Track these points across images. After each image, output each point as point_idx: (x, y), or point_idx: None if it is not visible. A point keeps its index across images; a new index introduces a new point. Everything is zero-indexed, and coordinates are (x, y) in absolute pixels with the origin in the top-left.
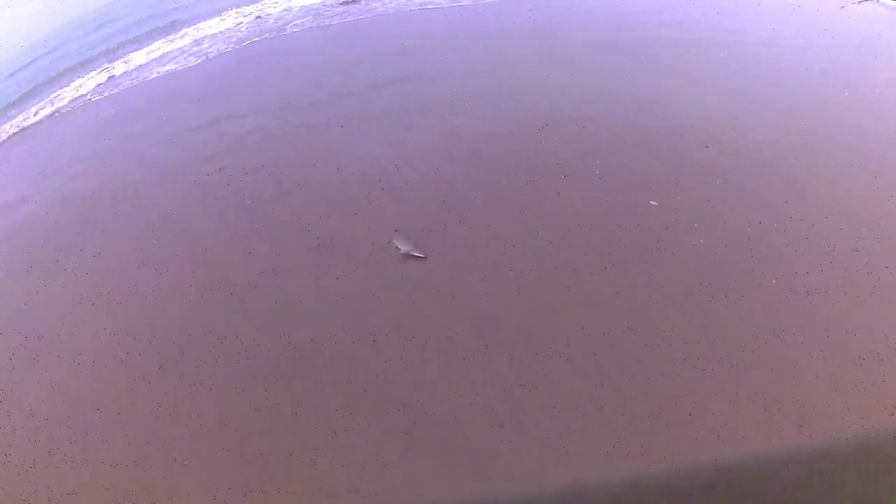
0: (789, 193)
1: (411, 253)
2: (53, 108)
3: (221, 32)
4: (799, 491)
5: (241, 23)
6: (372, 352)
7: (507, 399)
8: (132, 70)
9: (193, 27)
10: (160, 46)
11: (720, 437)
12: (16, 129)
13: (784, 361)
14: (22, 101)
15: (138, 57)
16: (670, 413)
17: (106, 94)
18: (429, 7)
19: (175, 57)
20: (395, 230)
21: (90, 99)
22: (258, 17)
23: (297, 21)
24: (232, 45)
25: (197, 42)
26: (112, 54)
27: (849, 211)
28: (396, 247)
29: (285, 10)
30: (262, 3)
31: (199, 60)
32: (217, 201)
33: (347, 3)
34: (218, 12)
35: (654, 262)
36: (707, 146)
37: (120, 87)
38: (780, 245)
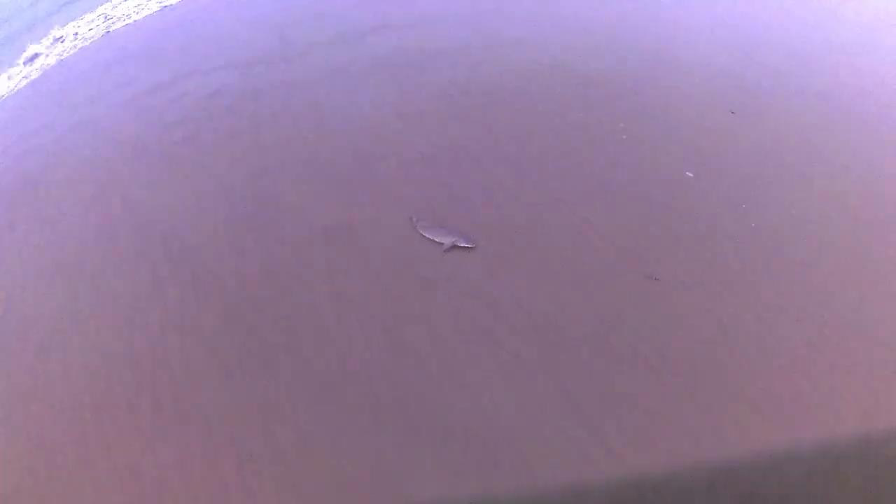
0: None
1: (457, 244)
2: None
3: None
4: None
5: None
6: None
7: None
8: (73, 34)
9: None
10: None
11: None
12: None
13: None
14: None
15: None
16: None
17: (45, 65)
18: None
19: (124, 14)
20: (414, 219)
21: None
22: None
23: None
24: None
25: None
26: (48, 20)
27: None
28: (430, 239)
29: None
30: None
31: (147, 14)
32: (189, 179)
33: None
34: None
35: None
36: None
37: (62, 54)
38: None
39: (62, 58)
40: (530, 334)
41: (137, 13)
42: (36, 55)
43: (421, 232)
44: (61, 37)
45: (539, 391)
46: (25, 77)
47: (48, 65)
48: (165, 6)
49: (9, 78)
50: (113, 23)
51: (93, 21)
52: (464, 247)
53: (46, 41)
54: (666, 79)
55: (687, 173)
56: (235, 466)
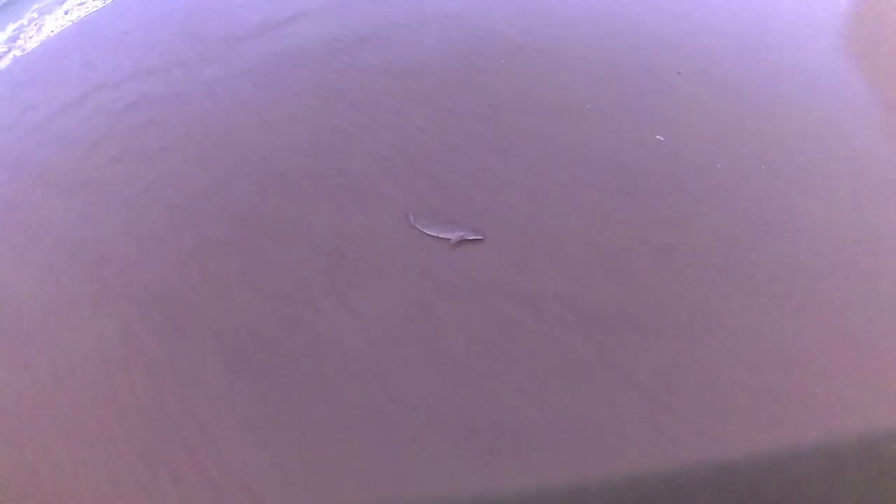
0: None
1: (466, 238)
2: None
3: None
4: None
5: None
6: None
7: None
8: None
9: None
10: None
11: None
12: None
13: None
14: None
15: None
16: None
17: None
18: None
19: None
20: (411, 217)
21: None
22: None
23: None
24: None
25: None
26: None
27: None
28: (435, 236)
29: None
30: None
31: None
32: (129, 206)
33: None
34: None
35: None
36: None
37: None
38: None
39: None
40: (577, 324)
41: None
42: None
43: (422, 230)
44: None
45: (604, 384)
46: None
47: None
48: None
49: None
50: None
51: None
52: (473, 239)
53: None
54: (611, 46)
55: (657, 136)
56: None
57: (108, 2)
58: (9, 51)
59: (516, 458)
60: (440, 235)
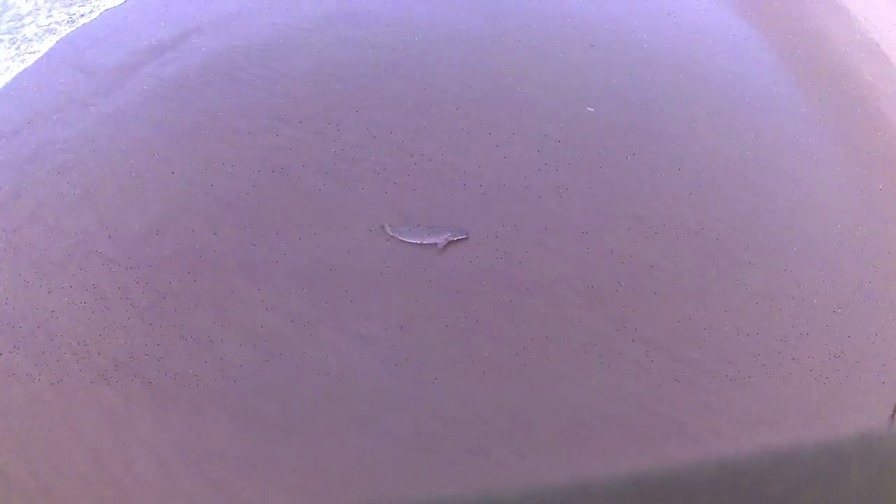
0: None
1: (452, 239)
2: None
3: None
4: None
5: None
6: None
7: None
8: None
9: None
10: None
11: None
12: None
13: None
14: None
15: None
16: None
17: None
18: None
19: None
20: (388, 227)
21: None
22: None
23: None
24: None
25: None
26: None
27: None
28: (417, 243)
29: None
30: None
31: None
32: (60, 267)
33: None
34: None
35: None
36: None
37: None
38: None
39: None
40: (585, 302)
41: None
42: None
43: (402, 239)
44: None
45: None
46: None
47: None
48: None
49: None
50: None
51: None
52: (459, 239)
53: None
54: (529, 27)
55: (588, 108)
56: None
57: None
58: None
59: (582, 443)
60: (424, 242)
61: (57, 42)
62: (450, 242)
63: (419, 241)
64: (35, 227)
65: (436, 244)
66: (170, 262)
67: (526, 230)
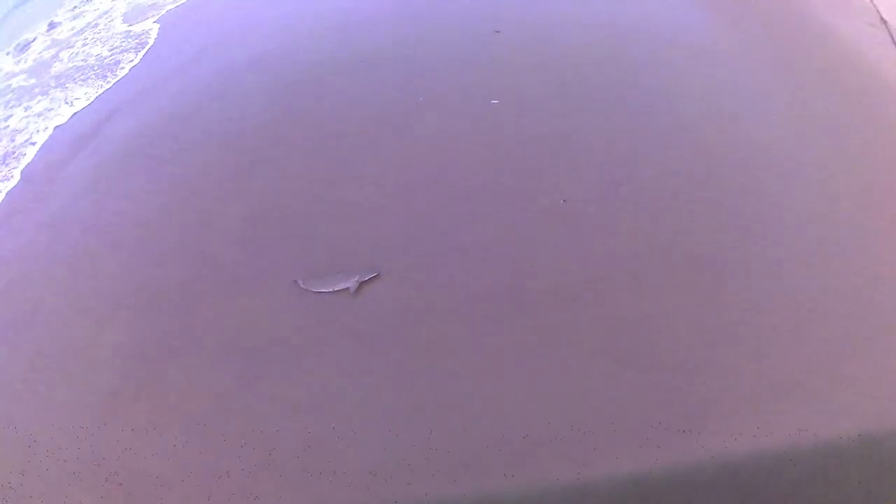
0: None
1: (362, 280)
2: None
3: None
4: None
5: None
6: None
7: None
8: None
9: None
10: None
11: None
12: None
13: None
14: None
15: None
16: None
17: None
18: None
19: None
20: (300, 282)
21: None
22: None
23: None
24: None
25: None
26: None
27: None
28: (330, 291)
29: None
30: None
31: None
32: (25, 382)
33: None
34: None
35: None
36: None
37: None
38: None
39: None
40: (526, 307)
41: None
42: None
43: (315, 290)
44: None
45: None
46: None
47: None
48: None
49: None
50: None
51: None
52: (370, 279)
53: None
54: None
55: (492, 101)
56: None
57: None
58: None
59: (518, 464)
60: (335, 289)
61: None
62: (361, 284)
63: (331, 289)
64: None
65: (348, 288)
66: (111, 365)
67: (443, 254)
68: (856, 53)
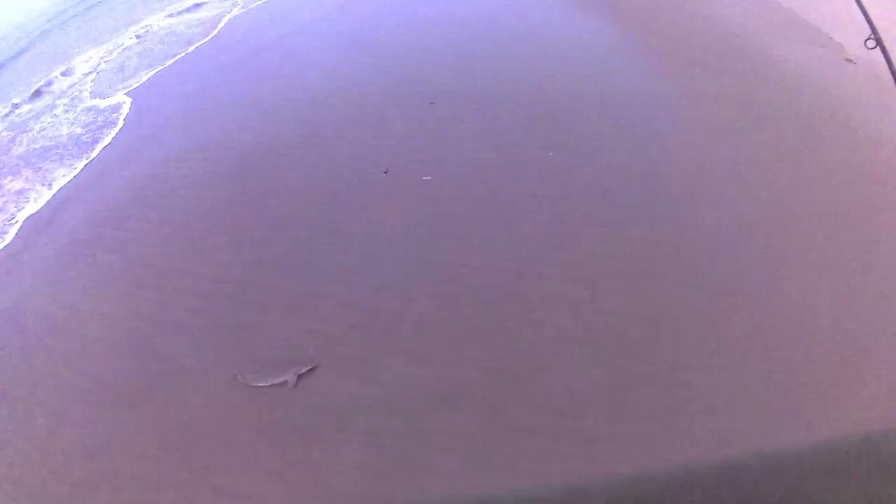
0: None
1: (299, 372)
2: None
3: None
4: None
5: None
6: None
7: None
8: None
9: None
10: None
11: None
12: None
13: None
14: None
15: None
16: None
17: None
18: None
19: None
20: (240, 377)
21: None
22: None
23: None
24: None
25: None
26: None
27: None
28: (271, 385)
29: None
30: None
31: None
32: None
33: None
34: None
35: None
36: None
37: None
38: None
39: None
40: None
41: None
42: None
43: (256, 385)
44: None
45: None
46: None
47: None
48: None
49: None
50: None
51: None
52: (308, 370)
53: None
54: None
55: (423, 177)
56: None
57: None
58: None
59: None
60: (274, 382)
61: None
62: (299, 376)
63: (270, 383)
64: None
65: (286, 382)
66: (74, 447)
67: (377, 339)
68: (805, 79)
